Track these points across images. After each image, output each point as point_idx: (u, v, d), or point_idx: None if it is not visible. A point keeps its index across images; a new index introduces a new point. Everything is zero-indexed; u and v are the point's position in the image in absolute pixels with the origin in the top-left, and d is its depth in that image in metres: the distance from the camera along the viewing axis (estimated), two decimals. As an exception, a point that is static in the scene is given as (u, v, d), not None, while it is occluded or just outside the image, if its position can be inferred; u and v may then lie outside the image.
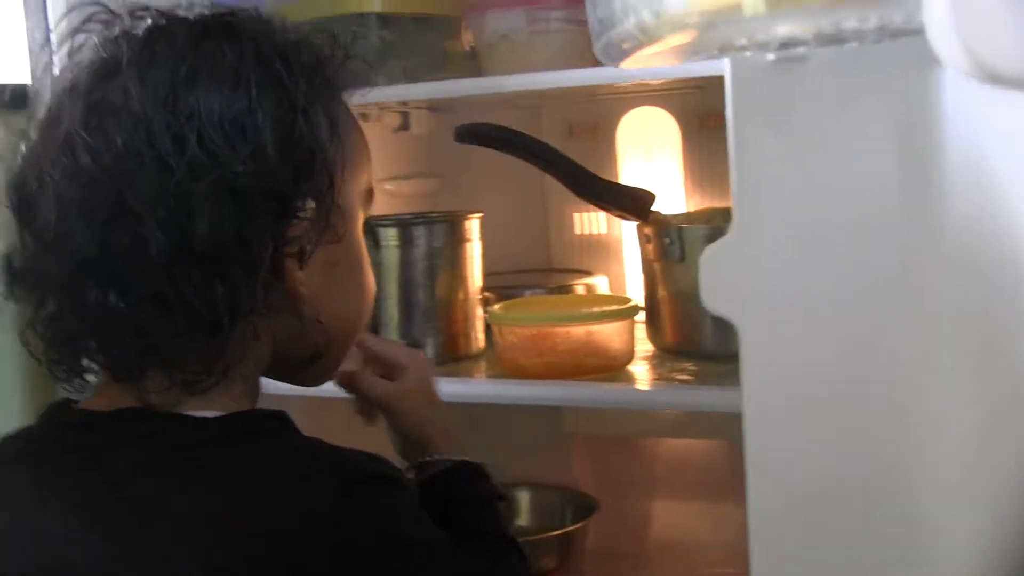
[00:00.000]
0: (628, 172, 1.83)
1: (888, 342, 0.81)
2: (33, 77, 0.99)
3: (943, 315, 0.79)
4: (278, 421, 0.97)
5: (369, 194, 1.06)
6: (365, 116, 1.74)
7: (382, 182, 1.86)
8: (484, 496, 1.19)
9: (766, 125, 0.82)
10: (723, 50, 0.65)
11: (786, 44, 0.66)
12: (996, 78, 0.46)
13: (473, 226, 1.54)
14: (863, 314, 0.81)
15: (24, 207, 0.95)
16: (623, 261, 1.86)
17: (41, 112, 0.96)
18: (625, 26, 0.61)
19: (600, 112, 1.85)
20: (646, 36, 0.58)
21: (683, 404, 1.47)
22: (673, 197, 1.76)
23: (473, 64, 1.54)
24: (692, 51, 0.67)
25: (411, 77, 1.50)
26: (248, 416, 0.96)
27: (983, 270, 0.78)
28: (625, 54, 0.69)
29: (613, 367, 1.39)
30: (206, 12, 0.98)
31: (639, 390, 1.36)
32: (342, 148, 0.98)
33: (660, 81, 1.52)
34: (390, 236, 1.50)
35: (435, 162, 1.95)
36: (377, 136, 1.84)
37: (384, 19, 1.49)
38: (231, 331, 0.92)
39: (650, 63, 0.73)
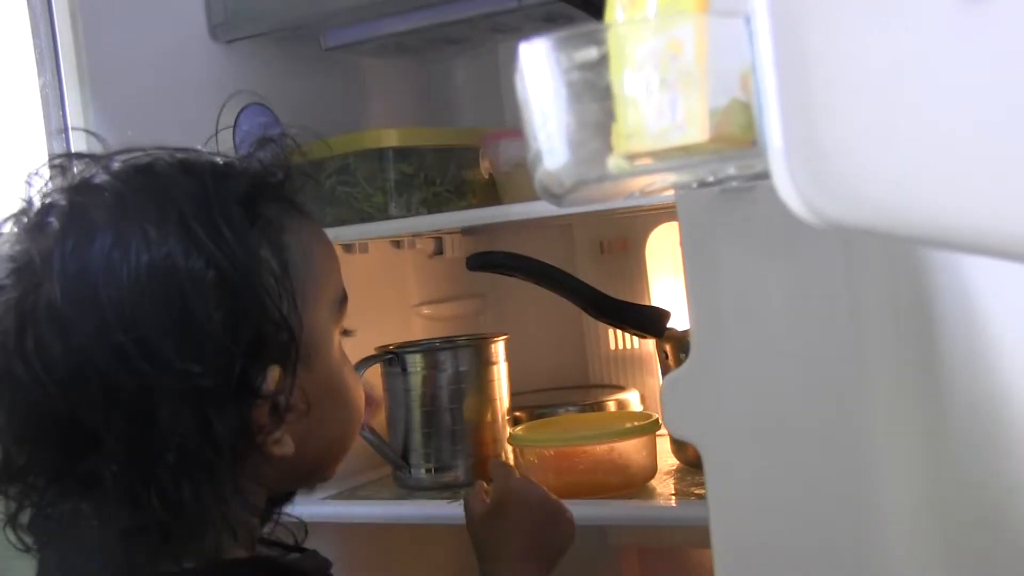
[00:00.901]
0: (658, 286, 1.84)
1: (849, 460, 0.82)
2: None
3: (896, 435, 0.79)
4: (261, 567, 0.97)
5: (342, 301, 1.04)
6: (398, 244, 1.78)
7: (420, 306, 1.89)
8: None
9: (716, 255, 0.84)
10: (622, 195, 0.67)
11: (704, 184, 0.68)
12: (833, 225, 0.48)
13: (499, 348, 1.57)
14: (817, 434, 0.82)
15: None
16: (656, 375, 1.86)
17: None
18: (538, 175, 0.63)
19: (629, 228, 1.87)
20: (543, 190, 0.60)
21: (697, 518, 1.46)
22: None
23: (494, 190, 1.57)
24: (618, 194, 0.69)
25: (432, 206, 1.54)
26: (228, 565, 0.95)
27: (941, 379, 0.79)
28: (559, 197, 0.71)
29: (635, 483, 1.40)
30: (120, 176, 0.93)
31: (655, 506, 1.37)
32: (299, 279, 0.96)
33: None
34: (416, 362, 1.53)
35: (472, 283, 1.97)
36: (412, 262, 1.88)
37: (401, 153, 1.53)
38: (201, 515, 0.91)
39: (589, 204, 0.75)
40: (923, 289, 0.76)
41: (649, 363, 1.88)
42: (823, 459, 0.83)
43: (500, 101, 1.94)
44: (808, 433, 0.83)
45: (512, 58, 1.72)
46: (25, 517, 0.94)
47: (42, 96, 1.37)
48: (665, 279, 1.84)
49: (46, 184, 0.96)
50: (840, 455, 0.82)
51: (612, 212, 1.79)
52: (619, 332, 1.90)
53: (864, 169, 0.47)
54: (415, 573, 1.36)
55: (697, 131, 0.55)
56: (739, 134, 0.55)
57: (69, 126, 1.37)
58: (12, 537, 0.95)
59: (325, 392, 1.00)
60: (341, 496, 1.54)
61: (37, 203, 0.94)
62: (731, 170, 0.57)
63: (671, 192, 0.83)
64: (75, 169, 0.96)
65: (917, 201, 0.47)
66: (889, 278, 0.79)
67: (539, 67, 0.54)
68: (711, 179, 0.60)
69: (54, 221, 0.91)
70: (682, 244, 0.85)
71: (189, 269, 0.88)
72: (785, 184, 0.48)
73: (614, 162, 0.52)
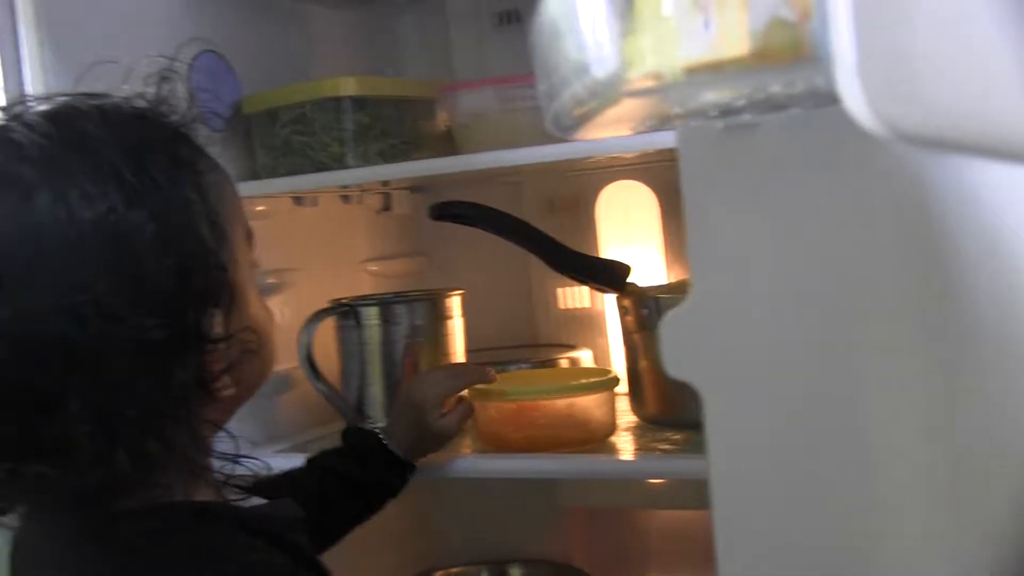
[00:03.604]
0: (609, 245, 1.83)
1: (848, 402, 0.81)
2: None
3: (909, 372, 0.79)
4: (193, 516, 0.95)
5: (249, 235, 1.04)
6: (347, 198, 1.76)
7: (366, 263, 1.87)
8: None
9: (718, 193, 0.83)
10: (662, 120, 0.66)
11: (727, 111, 0.67)
12: (908, 140, 0.47)
13: (455, 303, 1.55)
14: (822, 375, 0.81)
15: None
16: (607, 334, 1.86)
17: None
18: (563, 99, 0.62)
19: (579, 186, 1.86)
20: (581, 108, 0.58)
21: (664, 473, 1.47)
22: (653, 269, 1.76)
23: (450, 143, 1.55)
24: (637, 120, 0.68)
25: (389, 158, 1.52)
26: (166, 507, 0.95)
27: (954, 319, 0.78)
28: (573, 126, 0.69)
29: (595, 439, 1.39)
30: (37, 129, 0.89)
31: (619, 460, 1.36)
32: (222, 223, 0.95)
33: (633, 155, 1.53)
34: (372, 315, 1.51)
35: (419, 241, 1.96)
36: (360, 217, 1.86)
37: (359, 102, 1.50)
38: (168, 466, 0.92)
39: (601, 133, 0.74)
40: (936, 225, 0.76)
41: (599, 323, 1.87)
42: (826, 401, 0.82)
43: (449, 54, 1.92)
44: (811, 375, 0.82)
45: (465, 11, 1.70)
46: None
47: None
48: (615, 239, 1.83)
49: None
50: (843, 397, 0.81)
51: (563, 169, 1.78)
52: (569, 291, 1.89)
53: (943, 79, 0.46)
54: (365, 528, 1.34)
55: (734, 49, 0.54)
56: (781, 52, 0.54)
57: (26, 74, 1.34)
58: None
59: (252, 326, 1.00)
60: (296, 448, 1.52)
61: None
62: (776, 87, 0.56)
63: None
64: None
65: (997, 112, 0.46)
66: (898, 217, 0.78)
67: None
68: (752, 99, 0.58)
69: None
70: (681, 180, 0.83)
71: (132, 222, 0.87)
72: (856, 98, 0.46)
73: (669, 70, 0.51)
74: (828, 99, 0.62)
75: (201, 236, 0.91)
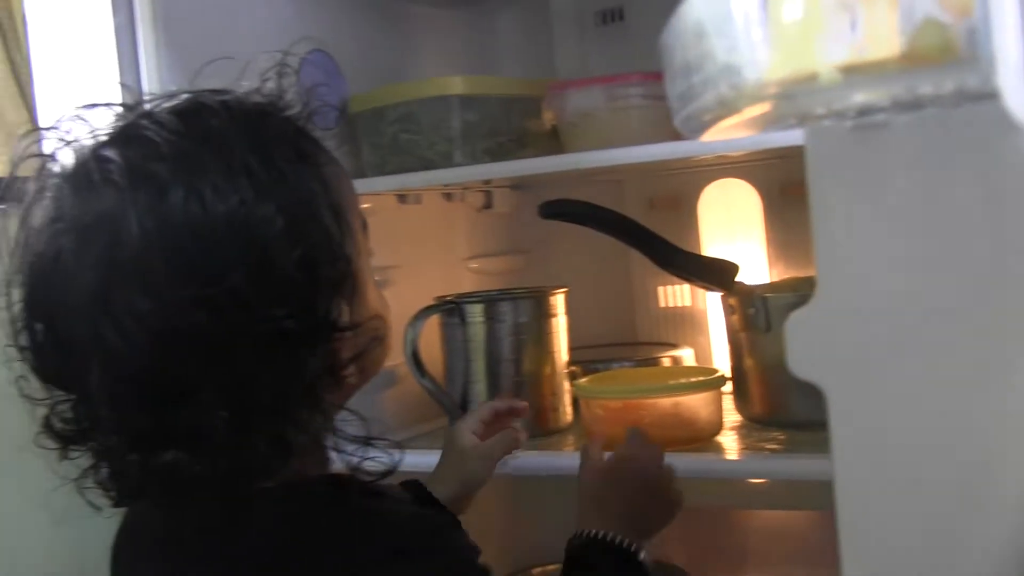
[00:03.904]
0: (710, 244, 1.83)
1: (979, 404, 0.80)
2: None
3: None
4: (334, 485, 0.98)
5: (365, 226, 1.04)
6: (449, 196, 1.77)
7: (468, 260, 1.88)
8: (613, 571, 1.17)
9: (847, 192, 0.82)
10: (801, 119, 0.66)
11: (864, 111, 0.67)
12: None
13: (559, 301, 1.55)
14: (953, 378, 0.80)
15: (54, 376, 0.93)
16: (708, 333, 1.86)
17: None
18: (705, 99, 0.62)
19: (681, 185, 1.86)
20: (725, 108, 0.59)
21: (772, 473, 1.46)
22: (756, 268, 1.76)
23: (555, 142, 1.55)
24: (771, 121, 0.68)
25: (495, 156, 1.52)
26: (305, 484, 0.97)
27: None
28: (705, 127, 0.69)
29: (701, 438, 1.39)
30: (168, 126, 0.90)
31: (727, 460, 1.36)
32: (345, 214, 0.96)
33: (740, 153, 1.52)
34: (476, 313, 1.52)
35: (520, 239, 1.97)
36: (462, 215, 1.87)
37: (466, 101, 1.51)
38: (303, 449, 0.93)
39: (728, 134, 0.74)
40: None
41: (701, 321, 1.87)
42: (958, 403, 0.81)
43: (550, 52, 1.93)
44: (941, 376, 0.82)
45: (567, 9, 1.69)
46: (91, 476, 0.95)
47: (116, 38, 1.35)
48: (717, 237, 1.83)
49: (67, 139, 0.94)
50: (975, 398, 0.80)
51: (664, 168, 1.78)
52: (670, 289, 1.89)
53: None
54: (466, 525, 1.34)
55: (883, 51, 0.54)
56: (933, 53, 0.54)
57: (142, 68, 1.36)
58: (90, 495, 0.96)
59: (371, 315, 1.02)
60: (399, 444, 1.52)
61: (66, 156, 0.93)
62: (926, 88, 0.55)
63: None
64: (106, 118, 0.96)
65: None
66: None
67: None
68: (898, 100, 0.58)
69: (115, 177, 0.89)
70: (809, 180, 0.83)
71: (262, 214, 0.88)
72: (1020, 97, 0.46)
73: (825, 71, 0.51)
74: (970, 98, 0.62)
75: (327, 227, 0.92)
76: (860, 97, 0.57)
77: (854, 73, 0.52)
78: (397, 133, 1.54)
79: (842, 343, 0.83)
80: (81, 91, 1.35)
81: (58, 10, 1.41)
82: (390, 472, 1.03)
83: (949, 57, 0.53)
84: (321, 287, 0.92)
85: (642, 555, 1.17)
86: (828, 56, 0.54)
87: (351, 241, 0.96)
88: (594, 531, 1.18)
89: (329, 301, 0.93)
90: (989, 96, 0.57)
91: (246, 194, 0.88)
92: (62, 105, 1.00)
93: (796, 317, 0.84)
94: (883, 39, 0.54)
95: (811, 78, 0.52)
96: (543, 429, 1.52)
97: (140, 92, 1.27)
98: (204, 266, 0.87)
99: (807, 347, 0.84)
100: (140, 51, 1.36)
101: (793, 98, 0.54)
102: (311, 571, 0.94)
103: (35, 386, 0.94)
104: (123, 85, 1.35)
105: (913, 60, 0.54)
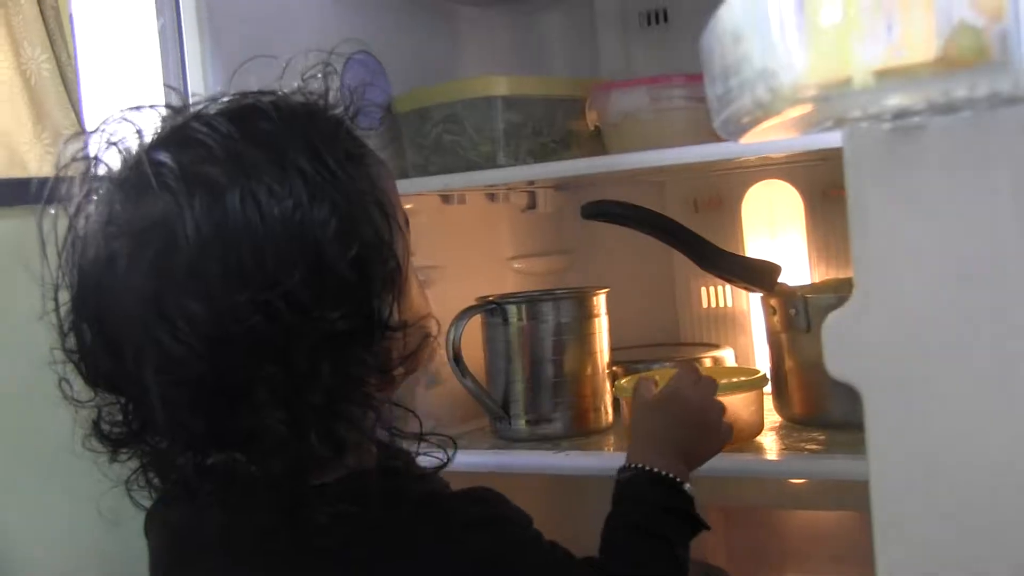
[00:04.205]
0: (753, 245, 1.83)
1: (1014, 407, 0.80)
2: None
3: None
4: (389, 475, 0.98)
5: (407, 223, 1.04)
6: (493, 197, 1.78)
7: (511, 260, 1.89)
8: (661, 503, 1.19)
9: (885, 193, 0.83)
10: (837, 121, 0.66)
11: (900, 114, 0.68)
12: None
13: (600, 301, 1.56)
14: (991, 379, 0.81)
15: (104, 379, 0.94)
16: (750, 333, 1.86)
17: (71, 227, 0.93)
18: (742, 102, 0.63)
19: (724, 186, 1.86)
20: (763, 111, 0.59)
21: (812, 473, 1.46)
22: (798, 269, 1.76)
23: (598, 143, 1.56)
24: (808, 123, 0.68)
25: (539, 157, 1.53)
26: (360, 476, 0.97)
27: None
28: (743, 129, 0.70)
29: (742, 438, 1.39)
30: (220, 129, 0.91)
31: (767, 460, 1.36)
32: (393, 213, 0.97)
33: (782, 155, 1.53)
34: (518, 313, 1.52)
35: (563, 239, 1.97)
36: (506, 216, 1.87)
37: (509, 102, 1.52)
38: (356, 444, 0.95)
39: (768, 136, 0.75)
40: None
41: (742, 322, 1.87)
42: (994, 405, 0.81)
43: (595, 54, 1.93)
44: (977, 379, 0.82)
45: (611, 10, 1.70)
46: (140, 478, 0.97)
47: (160, 38, 1.37)
48: (761, 238, 1.83)
49: (113, 141, 0.95)
50: (1012, 400, 0.80)
51: (707, 169, 1.78)
52: (712, 289, 1.90)
53: None
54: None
55: (917, 54, 0.55)
56: (967, 56, 0.55)
57: (187, 68, 1.38)
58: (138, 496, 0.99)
59: (416, 313, 1.03)
60: (441, 444, 1.54)
61: (112, 158, 0.94)
62: (960, 92, 0.56)
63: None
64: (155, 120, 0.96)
65: None
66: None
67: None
68: (932, 103, 0.58)
69: (169, 181, 0.89)
70: (847, 181, 0.83)
71: (316, 216, 0.89)
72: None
73: (860, 75, 0.51)
74: (1005, 101, 0.62)
75: (377, 227, 0.93)
76: (895, 100, 0.57)
77: (889, 76, 0.53)
78: (441, 134, 1.55)
79: (878, 344, 0.83)
80: (127, 92, 1.36)
81: (103, 12, 1.42)
82: (443, 466, 1.05)
83: (983, 60, 0.53)
84: (373, 287, 0.92)
85: (687, 486, 1.19)
86: (864, 59, 0.55)
87: (400, 240, 0.97)
88: (641, 463, 1.19)
89: (380, 301, 0.93)
90: (1022, 100, 0.57)
91: (300, 197, 0.89)
92: (108, 106, 1.01)
93: (833, 318, 0.85)
94: (919, 42, 0.55)
95: (846, 82, 0.53)
96: (584, 429, 1.53)
97: (186, 94, 1.28)
98: (260, 270, 0.87)
99: (843, 348, 0.84)
100: (185, 52, 1.37)
101: (829, 101, 0.55)
102: (377, 561, 0.95)
103: (79, 389, 0.95)
104: (168, 87, 1.37)
105: (948, 63, 0.54)
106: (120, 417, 0.95)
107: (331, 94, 1.01)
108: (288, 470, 0.91)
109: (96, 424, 0.96)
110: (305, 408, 0.90)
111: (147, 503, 1.00)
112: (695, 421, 1.25)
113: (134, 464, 0.97)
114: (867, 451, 0.85)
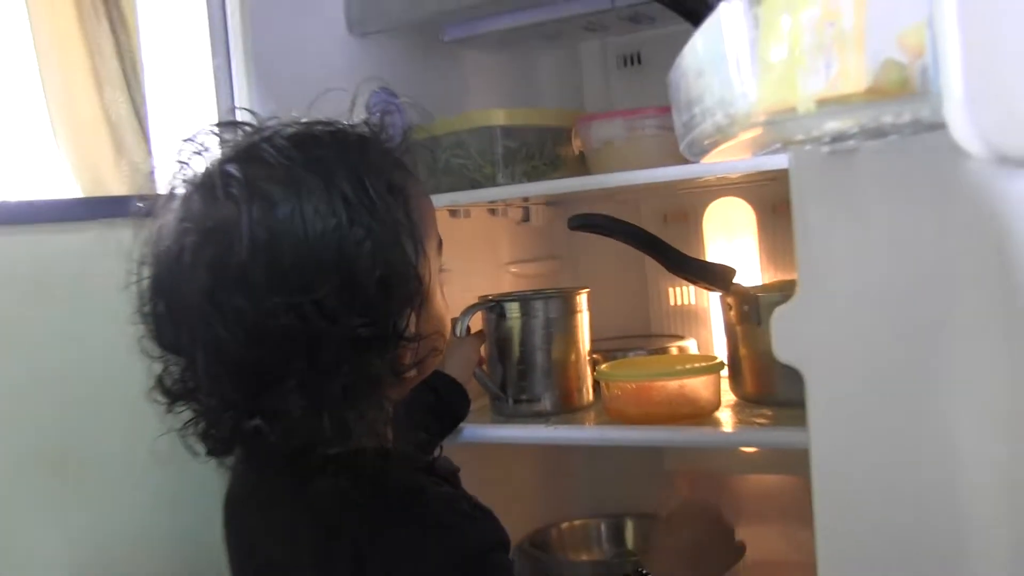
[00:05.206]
0: (713, 251, 1.83)
1: (930, 386, 0.80)
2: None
3: (989, 367, 0.78)
4: (380, 460, 0.99)
5: (439, 245, 1.05)
6: (493, 211, 1.78)
7: (508, 265, 1.89)
8: None
9: (824, 207, 0.83)
10: (785, 144, 0.66)
11: (837, 138, 0.68)
12: (1008, 161, 0.47)
13: (582, 299, 1.55)
14: (913, 362, 0.81)
15: (169, 345, 0.95)
16: (710, 327, 1.86)
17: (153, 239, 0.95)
18: (704, 127, 0.63)
19: (688, 202, 1.86)
20: (721, 134, 0.59)
21: (761, 443, 1.47)
22: (751, 272, 1.76)
23: (582, 165, 1.56)
24: (760, 145, 0.69)
25: (532, 177, 1.53)
26: (357, 457, 0.97)
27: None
28: (705, 150, 0.70)
29: (703, 414, 1.39)
30: (283, 151, 0.92)
31: (724, 432, 1.36)
32: (422, 240, 0.97)
33: (738, 175, 1.53)
34: (514, 309, 1.52)
35: (553, 247, 1.98)
36: (504, 227, 1.88)
37: (507, 131, 1.52)
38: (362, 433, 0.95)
39: (725, 157, 0.75)
40: (1016, 243, 0.75)
41: (703, 317, 1.88)
42: (911, 385, 0.81)
43: (580, 89, 1.94)
44: (897, 362, 0.82)
45: (595, 53, 1.69)
46: (191, 428, 0.98)
47: (215, 76, 1.38)
48: (719, 246, 1.83)
49: (200, 150, 0.97)
50: (926, 382, 0.81)
51: (674, 188, 1.78)
52: (678, 290, 1.90)
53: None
54: (500, 485, 1.36)
55: (851, 86, 0.55)
56: (893, 88, 0.55)
57: (236, 102, 1.38)
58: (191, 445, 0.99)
59: (436, 323, 1.03)
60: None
61: (198, 167, 0.95)
62: (887, 118, 0.56)
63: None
64: (233, 136, 0.98)
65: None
66: (979, 233, 0.77)
67: (738, 21, 0.53)
68: (864, 128, 0.59)
69: (235, 191, 0.90)
70: (792, 196, 0.84)
71: (353, 237, 0.89)
72: (964, 126, 0.47)
73: (802, 103, 0.52)
74: (926, 127, 0.62)
75: (405, 252, 0.93)
76: (833, 124, 0.57)
77: (828, 105, 0.53)
78: (449, 158, 1.54)
79: (817, 333, 0.84)
80: (187, 123, 1.37)
81: (168, 56, 1.43)
82: (435, 459, 1.08)
83: (906, 91, 0.54)
84: (394, 303, 0.93)
85: None
86: (806, 91, 0.55)
87: (425, 263, 0.97)
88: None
89: (399, 315, 0.94)
90: (941, 126, 0.57)
91: (341, 219, 0.89)
92: (172, 136, 1.02)
93: (779, 311, 0.85)
94: (852, 76, 0.55)
95: (792, 109, 0.53)
96: (569, 407, 1.52)
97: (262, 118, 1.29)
98: (299, 278, 0.88)
99: (788, 336, 0.85)
100: (234, 87, 1.37)
101: (777, 125, 0.55)
102: (355, 526, 0.96)
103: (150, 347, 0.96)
104: (246, 110, 1.38)
105: (877, 93, 0.55)
106: (179, 375, 0.96)
107: (389, 129, 1.02)
108: (302, 443, 0.92)
109: (160, 379, 0.97)
110: (324, 397, 0.90)
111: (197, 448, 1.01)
112: (711, 534, 1.34)
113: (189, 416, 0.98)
114: (808, 423, 0.85)
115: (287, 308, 0.87)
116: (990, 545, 0.80)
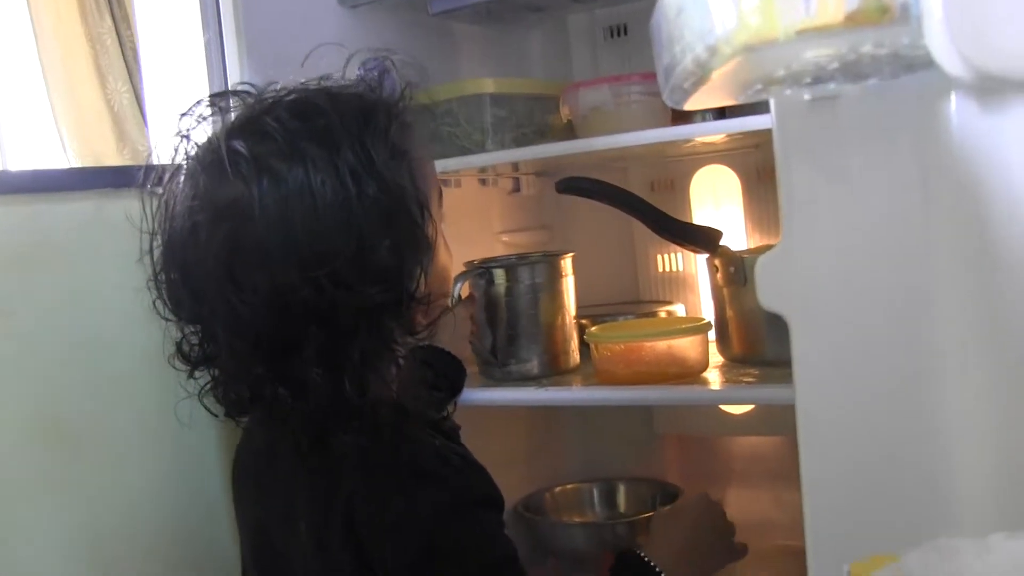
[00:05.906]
0: (700, 219, 1.81)
1: (912, 330, 0.79)
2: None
3: (967, 310, 0.76)
4: (394, 415, 0.98)
5: (440, 196, 1.04)
6: (484, 182, 1.76)
7: (500, 234, 1.87)
8: None
9: (805, 155, 0.81)
10: (765, 84, 0.65)
11: (818, 78, 0.66)
12: (987, 78, 0.46)
13: (567, 263, 1.53)
14: (894, 308, 0.79)
15: (186, 315, 0.95)
16: (697, 292, 1.85)
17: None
18: (685, 64, 0.61)
19: (676, 170, 1.84)
20: (701, 69, 0.58)
21: (748, 399, 1.46)
22: (736, 237, 1.74)
23: (570, 132, 1.54)
24: (740, 85, 0.67)
25: (521, 145, 1.51)
26: (373, 411, 0.97)
27: (1008, 268, 0.75)
28: (688, 93, 0.68)
29: (690, 374, 1.37)
30: (284, 123, 0.92)
31: (712, 390, 1.35)
32: (425, 194, 0.96)
33: (723, 140, 1.51)
34: (500, 275, 1.50)
35: (543, 216, 1.96)
36: (495, 197, 1.86)
37: (496, 99, 1.50)
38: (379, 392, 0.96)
39: (707, 102, 0.73)
40: (991, 190, 0.73)
41: (691, 283, 1.86)
42: (893, 330, 0.80)
43: (568, 61, 1.92)
44: (880, 308, 0.81)
45: (582, 25, 1.67)
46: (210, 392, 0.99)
47: (206, 51, 1.36)
48: (706, 213, 1.82)
49: (198, 121, 0.97)
50: (908, 327, 0.79)
51: (661, 155, 1.77)
52: (666, 256, 1.88)
53: (1018, 27, 0.45)
54: (494, 450, 1.34)
55: (830, 15, 0.53)
56: (874, 16, 0.53)
57: (228, 76, 1.36)
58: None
59: (442, 275, 1.05)
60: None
61: (199, 138, 0.95)
62: (867, 47, 0.54)
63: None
64: (232, 104, 0.98)
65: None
66: (956, 179, 0.76)
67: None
68: (844, 60, 0.57)
69: (243, 169, 0.90)
70: (775, 145, 0.82)
71: (362, 208, 0.89)
72: (944, 46, 0.45)
73: (783, 30, 0.50)
74: (904, 66, 0.60)
75: (413, 216, 0.93)
76: (812, 54, 0.55)
77: (806, 33, 0.51)
78: (439, 127, 1.53)
79: (800, 280, 0.82)
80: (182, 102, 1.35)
81: (164, 41, 1.42)
82: (447, 416, 1.12)
83: (886, 19, 0.52)
84: (405, 266, 0.93)
85: None
86: (786, 23, 0.53)
87: (431, 224, 0.97)
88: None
89: (411, 277, 0.93)
90: (920, 63, 0.55)
91: (349, 191, 0.89)
92: (168, 123, 1.01)
93: (763, 260, 0.83)
94: (832, 6, 0.53)
95: (769, 37, 0.51)
96: (557, 369, 1.51)
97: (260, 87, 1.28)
98: (313, 251, 0.88)
99: (772, 284, 0.83)
100: (226, 60, 1.35)
101: (756, 53, 0.53)
102: (350, 470, 0.96)
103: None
104: (246, 83, 1.36)
105: (856, 20, 0.53)
106: (197, 342, 0.96)
107: (387, 89, 1.00)
108: (321, 408, 0.92)
109: (179, 345, 0.97)
110: (343, 363, 0.91)
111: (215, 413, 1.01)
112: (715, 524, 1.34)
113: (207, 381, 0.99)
114: (793, 370, 0.84)
115: (304, 281, 0.88)
116: (974, 491, 0.79)
